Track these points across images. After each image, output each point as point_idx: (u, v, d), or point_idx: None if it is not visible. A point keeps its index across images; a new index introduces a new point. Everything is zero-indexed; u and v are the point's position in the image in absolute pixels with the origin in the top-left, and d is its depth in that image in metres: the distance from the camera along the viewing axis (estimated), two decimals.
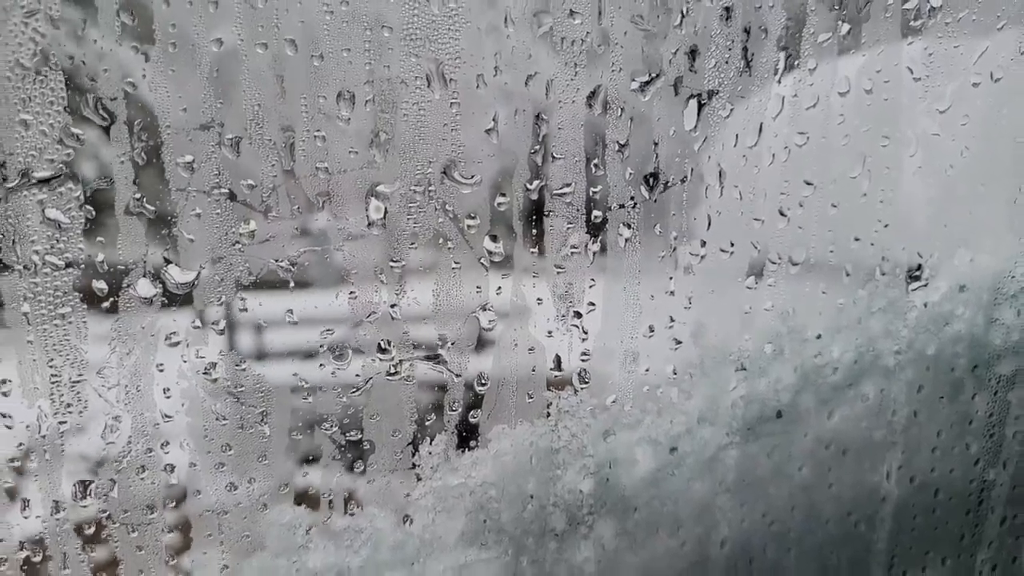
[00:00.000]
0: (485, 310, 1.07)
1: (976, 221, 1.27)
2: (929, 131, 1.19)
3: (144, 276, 0.93)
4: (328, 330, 1.01)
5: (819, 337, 1.23)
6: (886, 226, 1.21)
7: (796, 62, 1.12)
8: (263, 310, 0.99)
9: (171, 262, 0.93)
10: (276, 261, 0.97)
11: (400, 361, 1.05)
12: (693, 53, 1.07)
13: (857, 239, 1.21)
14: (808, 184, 1.16)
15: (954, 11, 1.15)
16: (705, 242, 1.13)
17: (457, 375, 1.08)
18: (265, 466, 1.03)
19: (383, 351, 1.04)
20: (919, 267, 1.26)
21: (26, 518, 0.94)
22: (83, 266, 0.89)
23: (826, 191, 1.17)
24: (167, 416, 0.97)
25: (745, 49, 1.09)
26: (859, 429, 1.27)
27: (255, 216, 0.95)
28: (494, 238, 1.04)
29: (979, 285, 1.27)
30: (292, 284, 0.98)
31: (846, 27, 1.13)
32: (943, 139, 1.20)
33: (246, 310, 0.98)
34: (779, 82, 1.12)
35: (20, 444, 0.92)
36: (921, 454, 1.31)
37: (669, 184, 1.10)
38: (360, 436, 1.06)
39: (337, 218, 0.99)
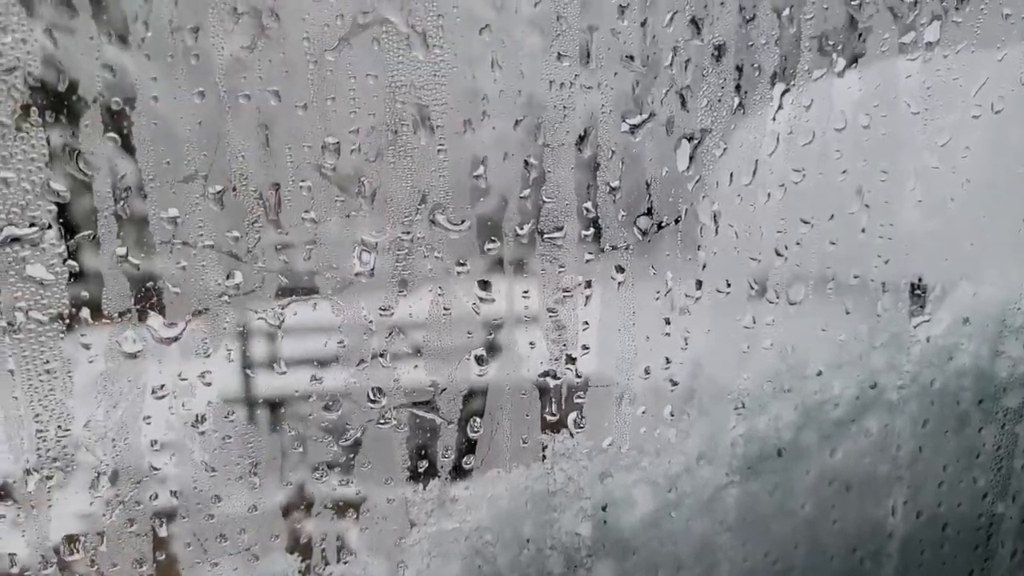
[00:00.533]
0: (477, 355, 1.05)
1: (979, 254, 1.25)
2: (929, 164, 1.17)
3: (129, 329, 0.91)
4: (318, 379, 1.00)
5: (819, 374, 1.21)
6: (886, 262, 1.19)
7: (791, 99, 1.10)
8: (250, 362, 0.98)
9: (157, 315, 0.92)
10: (262, 313, 0.96)
11: (391, 408, 1.03)
12: (685, 93, 1.05)
13: (856, 276, 1.19)
14: (805, 222, 1.14)
15: (952, 44, 1.13)
16: (701, 282, 1.11)
17: (449, 421, 1.07)
18: (256, 516, 1.02)
19: (373, 400, 1.02)
20: (921, 301, 1.24)
21: (15, 574, 0.93)
22: (68, 321, 0.88)
23: (824, 228, 1.15)
24: (155, 468, 0.96)
25: (738, 87, 1.07)
26: (863, 465, 1.25)
27: (241, 267, 0.94)
28: (484, 284, 1.03)
29: (983, 318, 1.25)
30: (280, 335, 0.97)
31: (841, 62, 1.11)
32: (943, 172, 1.18)
33: (233, 361, 0.96)
34: (774, 119, 1.10)
35: (7, 499, 0.92)
36: (927, 489, 1.28)
37: (663, 225, 1.08)
38: (352, 483, 1.05)
39: (324, 268, 0.97)
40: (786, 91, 1.09)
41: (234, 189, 0.92)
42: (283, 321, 0.97)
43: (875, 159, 1.15)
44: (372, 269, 0.98)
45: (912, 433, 1.26)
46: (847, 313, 1.20)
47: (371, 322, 1.00)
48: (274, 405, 1.01)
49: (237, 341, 0.96)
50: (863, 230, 1.17)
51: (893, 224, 1.18)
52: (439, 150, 0.97)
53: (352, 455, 1.04)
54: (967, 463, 1.29)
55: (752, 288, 1.15)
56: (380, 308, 1.00)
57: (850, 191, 1.16)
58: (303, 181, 0.94)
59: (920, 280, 1.23)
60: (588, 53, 1.00)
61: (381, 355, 1.01)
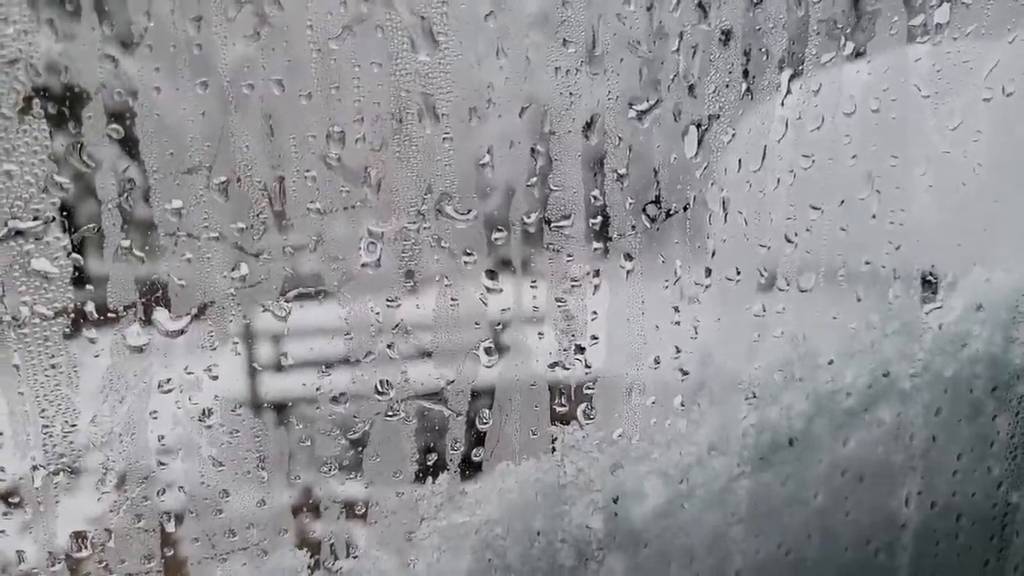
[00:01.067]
0: (485, 347, 1.04)
1: (991, 238, 1.23)
2: (940, 149, 1.16)
3: (135, 323, 0.91)
4: (325, 372, 0.99)
5: (831, 363, 1.20)
6: (898, 248, 1.18)
7: (799, 84, 1.09)
8: (257, 354, 0.97)
9: (162, 308, 0.92)
10: (269, 304, 0.95)
11: (399, 401, 1.03)
12: (692, 78, 1.04)
13: (868, 262, 1.18)
14: (815, 208, 1.13)
15: (962, 25, 1.12)
16: (710, 270, 1.10)
17: (458, 414, 1.06)
18: (264, 511, 1.01)
19: (381, 392, 1.02)
20: (933, 288, 1.23)
21: (23, 571, 0.93)
22: (73, 315, 0.87)
23: (834, 214, 1.14)
24: (162, 463, 0.96)
25: (746, 72, 1.06)
26: (876, 455, 1.23)
27: (246, 259, 0.93)
28: (492, 274, 1.02)
29: (996, 304, 1.24)
30: (287, 327, 0.96)
31: (850, 46, 1.10)
32: (955, 156, 1.17)
33: (240, 354, 0.96)
34: (782, 104, 1.09)
35: (14, 496, 0.91)
36: (941, 478, 1.27)
37: (671, 212, 1.07)
38: (360, 477, 1.04)
39: (330, 259, 0.96)
40: (794, 76, 1.08)
41: (238, 180, 0.91)
42: (289, 313, 0.96)
43: (885, 144, 1.14)
44: (378, 260, 0.97)
45: (925, 422, 1.24)
46: (858, 301, 1.19)
47: (378, 313, 0.99)
48: (281, 399, 1.00)
49: (243, 334, 0.95)
50: (874, 216, 1.16)
51: (904, 210, 1.17)
52: (445, 139, 0.96)
53: (360, 449, 1.03)
54: (981, 452, 1.28)
55: (762, 276, 1.14)
56: (387, 299, 0.99)
57: (860, 177, 1.14)
58: (308, 171, 0.93)
59: (932, 266, 1.22)
60: (594, 39, 0.99)
61: (388, 347, 1.00)
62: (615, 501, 1.14)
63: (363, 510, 1.05)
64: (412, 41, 0.92)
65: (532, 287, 1.05)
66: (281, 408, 1.00)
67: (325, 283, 0.97)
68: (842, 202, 1.14)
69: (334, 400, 1.00)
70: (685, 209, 1.08)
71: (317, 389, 1.00)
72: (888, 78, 1.12)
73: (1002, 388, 1.26)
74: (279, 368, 0.98)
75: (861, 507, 1.25)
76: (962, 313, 1.24)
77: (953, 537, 1.30)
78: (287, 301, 0.96)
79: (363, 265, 0.97)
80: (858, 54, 1.10)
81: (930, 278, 1.22)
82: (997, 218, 1.22)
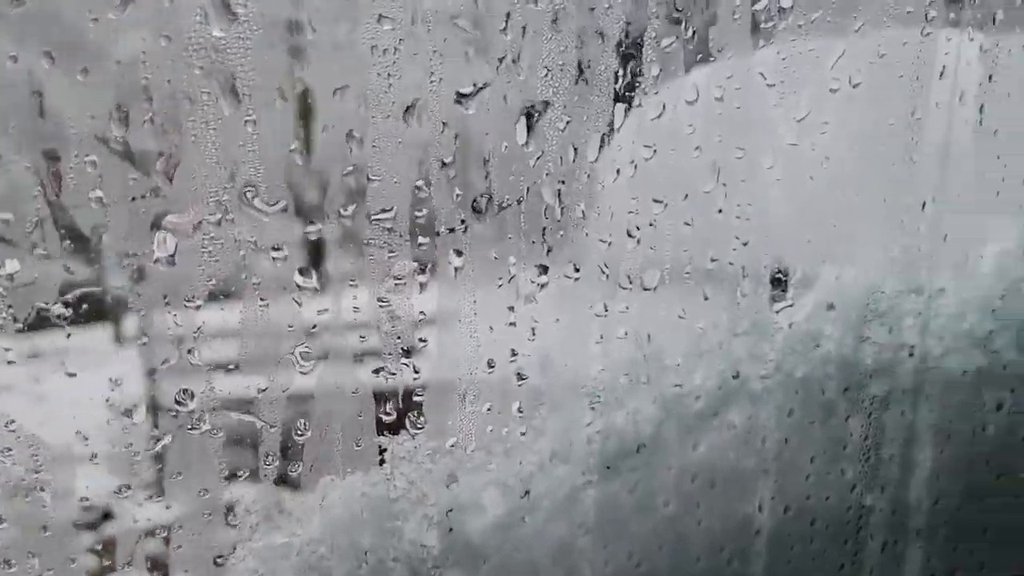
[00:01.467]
0: (300, 351, 0.96)
1: (841, 234, 1.20)
2: (786, 140, 1.11)
3: None
4: (114, 380, 0.89)
5: (679, 364, 1.15)
6: (745, 244, 1.13)
7: (638, 68, 1.03)
8: (33, 362, 0.86)
9: None
10: (45, 306, 0.84)
11: (203, 412, 0.93)
12: (522, 61, 0.97)
13: (714, 259, 1.13)
14: (658, 202, 1.07)
15: (806, 12, 1.08)
16: (547, 267, 1.04)
17: (272, 424, 0.97)
18: (48, 538, 0.91)
19: (181, 403, 0.92)
20: (783, 286, 1.18)
21: None
22: None
23: (678, 208, 1.09)
24: None
25: (580, 55, 1.00)
26: (727, 459, 1.19)
27: (16, 254, 0.83)
28: (304, 271, 0.93)
29: (847, 302, 1.20)
30: (68, 331, 0.86)
31: (691, 31, 1.04)
32: (802, 148, 1.12)
33: (12, 363, 0.85)
34: (620, 91, 1.03)
35: None
36: (794, 482, 1.23)
37: (503, 205, 1.00)
38: (161, 497, 0.94)
39: (118, 255, 0.86)
40: (632, 60, 1.02)
41: (3, 165, 0.81)
42: (71, 315, 0.85)
43: (730, 135, 1.09)
44: (173, 256, 0.87)
45: (777, 424, 1.20)
46: (705, 299, 1.14)
47: (175, 315, 0.89)
48: (64, 411, 0.89)
49: (14, 339, 0.84)
50: (720, 211, 1.11)
51: (751, 204, 1.12)
52: (247, 122, 0.87)
53: (159, 466, 0.93)
54: (834, 454, 1.24)
55: (603, 273, 1.07)
56: (185, 299, 0.89)
57: (705, 169, 1.09)
58: (87, 156, 0.83)
59: (781, 263, 1.17)
60: (413, 15, 0.91)
61: (189, 352, 0.91)
62: (450, 515, 1.06)
63: (166, 533, 0.95)
64: (205, 13, 0.83)
65: (352, 286, 0.96)
66: (63, 421, 0.89)
67: (113, 281, 0.87)
68: (686, 196, 1.09)
69: (126, 413, 0.90)
70: (519, 202, 1.01)
71: (106, 400, 0.89)
72: (731, 65, 1.07)
73: (854, 389, 1.23)
74: (60, 377, 0.87)
75: (713, 513, 1.20)
76: (812, 311, 1.20)
77: (808, 541, 1.27)
78: (67, 304, 0.85)
79: (156, 261, 0.87)
80: (700, 40, 1.05)
81: (779, 275, 1.18)
82: (846, 213, 1.19)
